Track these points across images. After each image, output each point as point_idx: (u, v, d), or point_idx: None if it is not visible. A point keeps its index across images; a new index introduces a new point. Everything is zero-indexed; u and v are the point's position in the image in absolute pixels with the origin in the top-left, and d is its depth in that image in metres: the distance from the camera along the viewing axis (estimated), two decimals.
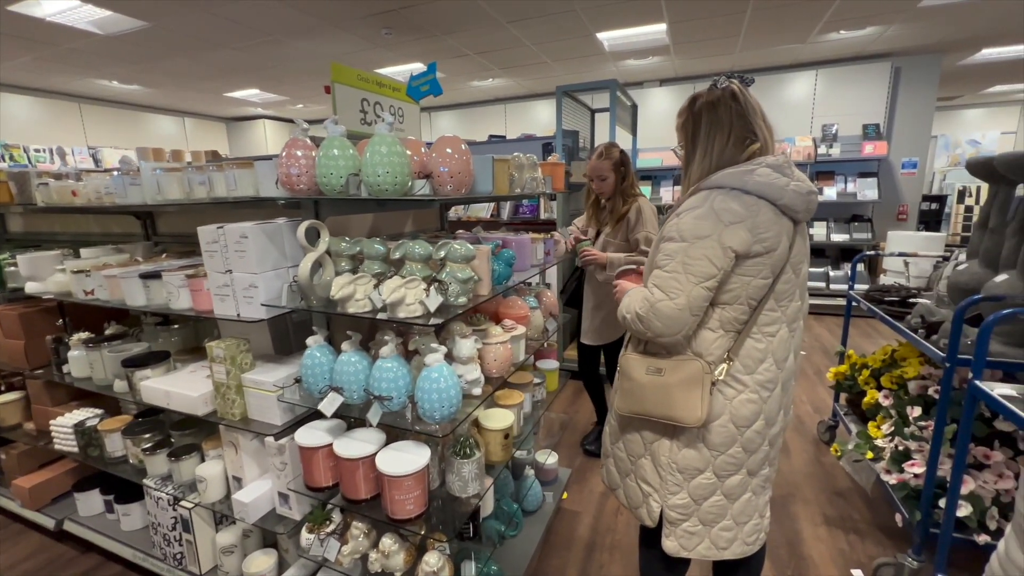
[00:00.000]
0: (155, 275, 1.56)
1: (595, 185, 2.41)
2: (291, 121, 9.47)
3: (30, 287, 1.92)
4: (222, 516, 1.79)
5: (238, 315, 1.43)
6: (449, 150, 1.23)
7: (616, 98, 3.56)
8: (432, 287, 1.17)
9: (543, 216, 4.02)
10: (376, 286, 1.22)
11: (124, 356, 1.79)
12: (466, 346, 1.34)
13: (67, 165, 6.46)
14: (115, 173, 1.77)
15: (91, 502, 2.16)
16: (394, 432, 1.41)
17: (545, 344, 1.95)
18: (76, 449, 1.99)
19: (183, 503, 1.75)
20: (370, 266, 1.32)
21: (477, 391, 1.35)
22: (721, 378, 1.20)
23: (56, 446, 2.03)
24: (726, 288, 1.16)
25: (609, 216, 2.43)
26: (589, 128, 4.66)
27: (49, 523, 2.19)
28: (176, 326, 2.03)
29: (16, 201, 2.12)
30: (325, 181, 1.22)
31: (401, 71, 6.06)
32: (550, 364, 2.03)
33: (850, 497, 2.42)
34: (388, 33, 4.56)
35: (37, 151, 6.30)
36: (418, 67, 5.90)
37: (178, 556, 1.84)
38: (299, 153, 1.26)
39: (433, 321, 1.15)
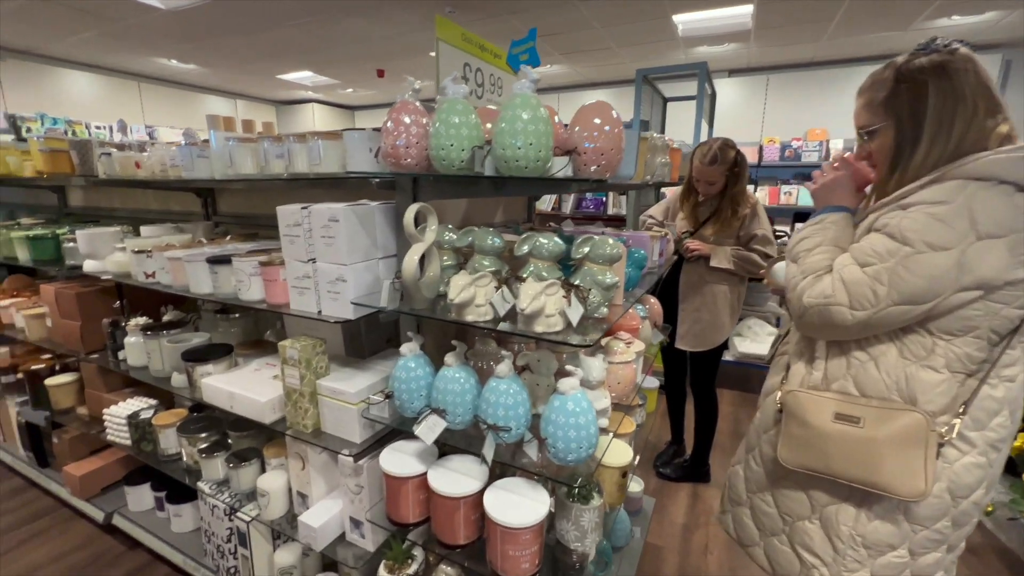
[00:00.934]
0: (224, 260, 1.36)
1: (701, 187, 2.12)
2: (341, 106, 9.43)
3: (88, 266, 1.78)
4: (282, 531, 1.60)
5: (319, 312, 1.21)
6: (598, 120, 0.96)
7: (705, 85, 3.21)
8: (571, 295, 0.91)
9: (610, 211, 3.72)
10: (498, 289, 0.98)
11: (184, 348, 1.61)
12: (596, 367, 1.08)
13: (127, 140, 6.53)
14: (181, 143, 1.59)
15: (142, 497, 2.03)
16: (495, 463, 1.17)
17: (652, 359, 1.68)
18: (129, 442, 1.84)
19: (240, 514, 1.57)
20: (480, 262, 1.08)
21: (604, 422, 1.10)
22: (952, 437, 0.90)
23: (108, 437, 1.90)
24: (960, 314, 0.86)
25: (712, 215, 2.14)
26: (660, 118, 4.31)
27: (98, 515, 2.07)
28: (236, 315, 1.85)
29: (78, 172, 1.98)
30: (442, 155, 0.97)
31: None
32: (651, 382, 1.75)
33: (985, 556, 2.05)
34: (452, 11, 4.31)
35: (98, 128, 6.39)
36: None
37: (232, 570, 1.67)
38: (408, 120, 1.02)
39: (576, 339, 0.90)
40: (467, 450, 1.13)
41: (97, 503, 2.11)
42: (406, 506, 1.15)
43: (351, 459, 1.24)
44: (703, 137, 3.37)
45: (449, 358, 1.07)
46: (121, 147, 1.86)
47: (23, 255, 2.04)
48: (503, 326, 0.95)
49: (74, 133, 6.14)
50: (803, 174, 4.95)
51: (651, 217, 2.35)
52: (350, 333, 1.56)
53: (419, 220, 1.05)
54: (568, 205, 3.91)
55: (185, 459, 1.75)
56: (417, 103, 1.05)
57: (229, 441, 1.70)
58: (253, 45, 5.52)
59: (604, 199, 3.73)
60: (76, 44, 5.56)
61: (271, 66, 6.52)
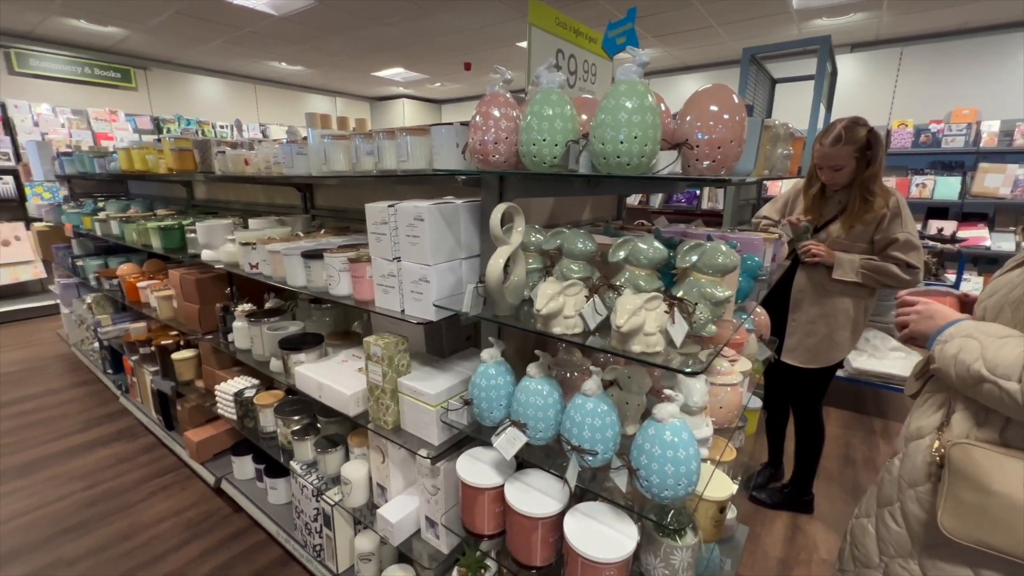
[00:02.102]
0: (316, 255, 1.41)
1: (824, 176, 1.83)
2: (429, 100, 9.74)
3: (205, 255, 1.95)
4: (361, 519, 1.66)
5: (403, 312, 1.20)
6: (715, 108, 0.82)
7: (826, 62, 2.81)
8: (675, 310, 0.80)
9: (705, 205, 3.42)
10: (588, 298, 0.88)
11: (281, 336, 1.71)
12: (697, 390, 0.95)
13: (243, 138, 7.27)
14: (284, 141, 1.67)
15: (245, 467, 2.22)
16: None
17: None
18: (235, 417, 2.01)
19: (326, 497, 1.64)
20: (568, 268, 0.99)
21: (703, 452, 0.97)
22: None
23: (219, 410, 2.09)
24: None
25: (842, 211, 1.84)
26: (767, 102, 3.88)
27: (211, 479, 2.30)
28: (327, 306, 1.94)
29: (199, 169, 2.18)
30: (533, 150, 0.89)
31: None
32: (753, 401, 1.56)
33: None
34: None
35: (222, 127, 7.17)
36: None
37: (317, 548, 1.76)
38: (497, 114, 0.96)
39: (679, 362, 0.78)
40: (545, 467, 1.05)
41: (210, 467, 2.35)
42: (481, 517, 1.11)
43: (428, 461, 1.23)
44: (820, 122, 2.97)
45: (532, 369, 1.00)
46: (234, 145, 2.01)
47: (156, 243, 2.30)
48: (593, 341, 0.86)
49: (203, 132, 6.93)
50: (943, 162, 4.22)
51: (766, 218, 2.07)
52: (431, 330, 1.55)
53: (505, 221, 0.99)
54: (657, 199, 3.66)
55: (280, 438, 1.87)
56: (507, 95, 0.97)
57: (318, 425, 1.78)
58: (352, 44, 5.83)
59: (698, 192, 3.44)
60: (206, 52, 6.24)
61: (367, 64, 6.86)
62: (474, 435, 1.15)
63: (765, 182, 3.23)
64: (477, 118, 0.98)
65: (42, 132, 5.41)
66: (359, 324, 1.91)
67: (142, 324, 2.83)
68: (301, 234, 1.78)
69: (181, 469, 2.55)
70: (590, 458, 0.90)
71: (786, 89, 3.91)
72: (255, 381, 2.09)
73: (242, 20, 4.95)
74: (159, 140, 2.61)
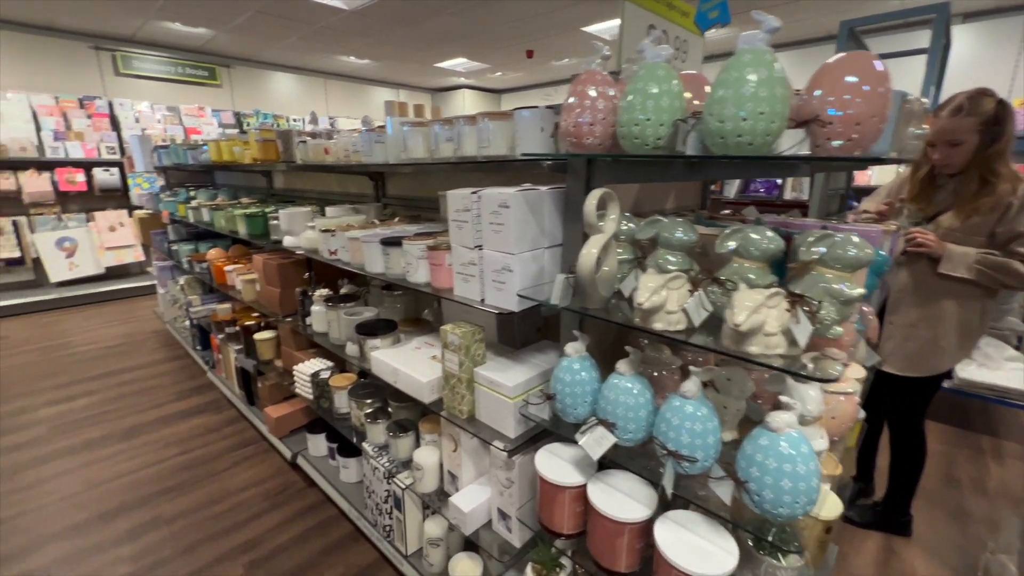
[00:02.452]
0: (395, 242, 1.41)
1: (938, 154, 1.60)
2: (489, 90, 9.75)
3: (287, 241, 2.03)
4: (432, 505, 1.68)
5: (482, 301, 1.18)
6: (852, 79, 0.72)
7: (942, 34, 2.49)
8: (797, 309, 0.71)
9: (788, 195, 3.17)
10: (692, 292, 0.81)
11: (357, 321, 1.75)
12: (813, 398, 0.85)
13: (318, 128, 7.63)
14: (362, 130, 1.69)
15: (319, 444, 2.32)
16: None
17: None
18: (311, 397, 2.10)
19: (397, 480, 1.68)
20: (664, 259, 0.92)
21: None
22: None
23: (296, 390, 2.19)
24: None
25: (957, 198, 1.61)
26: None
27: (287, 453, 2.43)
28: (399, 292, 1.97)
29: (281, 158, 2.28)
30: (635, 132, 0.83)
31: (613, 26, 5.50)
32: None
33: None
34: None
35: (295, 120, 7.55)
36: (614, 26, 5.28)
37: (387, 528, 1.81)
38: (594, 93, 0.90)
39: (808, 368, 0.69)
40: (631, 468, 1.00)
41: (286, 442, 2.48)
42: (560, 515, 1.07)
43: (504, 453, 1.21)
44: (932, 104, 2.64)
45: (622, 366, 0.95)
46: (313, 136, 2.07)
47: (241, 229, 2.44)
48: (700, 340, 0.79)
49: (278, 125, 7.33)
50: None
51: (867, 212, 1.86)
52: (504, 321, 1.53)
53: (598, 207, 0.93)
54: (732, 188, 3.44)
55: (353, 420, 1.93)
56: (605, 73, 0.91)
57: (389, 410, 1.82)
58: (416, 35, 5.92)
59: (779, 181, 3.19)
60: (282, 49, 6.56)
61: (430, 55, 6.96)
62: (553, 430, 1.11)
63: (854, 171, 2.93)
64: (571, 99, 0.92)
65: (142, 128, 5.93)
66: (429, 312, 1.92)
67: (227, 305, 3.03)
68: (376, 222, 1.81)
69: (260, 442, 2.72)
70: (687, 465, 0.83)
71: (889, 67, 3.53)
72: (329, 363, 2.17)
73: (316, 16, 5.14)
74: (244, 132, 2.76)
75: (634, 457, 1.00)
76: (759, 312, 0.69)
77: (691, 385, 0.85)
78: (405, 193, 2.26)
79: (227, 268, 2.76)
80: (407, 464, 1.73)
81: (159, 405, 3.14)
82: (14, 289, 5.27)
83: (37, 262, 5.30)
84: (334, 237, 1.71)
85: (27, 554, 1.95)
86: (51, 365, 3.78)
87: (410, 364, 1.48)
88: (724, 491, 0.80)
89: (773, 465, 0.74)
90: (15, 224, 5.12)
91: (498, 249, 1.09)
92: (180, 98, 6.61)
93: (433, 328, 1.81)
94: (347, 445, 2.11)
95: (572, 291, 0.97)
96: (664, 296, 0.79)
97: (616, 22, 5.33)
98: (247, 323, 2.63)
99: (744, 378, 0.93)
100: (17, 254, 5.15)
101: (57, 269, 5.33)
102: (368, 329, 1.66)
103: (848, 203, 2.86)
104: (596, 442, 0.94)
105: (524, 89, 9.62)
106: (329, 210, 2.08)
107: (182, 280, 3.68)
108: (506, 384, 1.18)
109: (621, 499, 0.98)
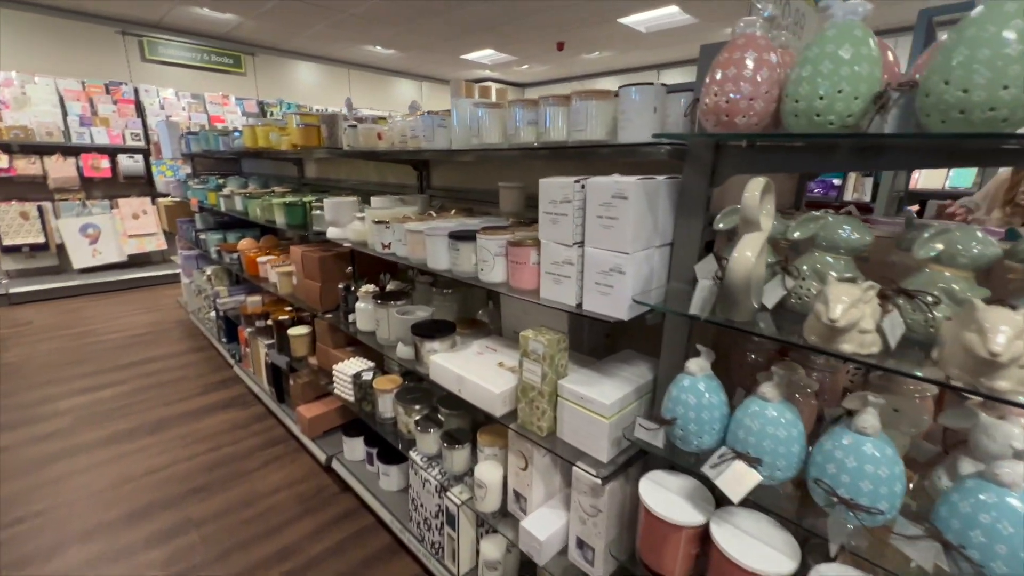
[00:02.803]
0: (467, 236, 1.27)
1: None
2: (514, 84, 9.58)
3: (331, 232, 1.91)
4: (494, 526, 1.54)
5: (579, 306, 1.03)
6: None
7: None
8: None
9: (848, 197, 2.98)
10: (884, 308, 0.66)
11: (412, 321, 1.62)
12: (1019, 437, 0.69)
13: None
14: (423, 114, 1.55)
15: (356, 448, 2.20)
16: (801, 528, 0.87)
17: None
18: (352, 399, 1.98)
19: (451, 495, 1.54)
20: (822, 263, 0.77)
21: None
22: None
23: (336, 391, 2.07)
24: None
25: None
26: None
27: (322, 456, 2.31)
28: (449, 290, 1.83)
29: (325, 144, 2.15)
30: (816, 107, 0.67)
31: (652, 17, 5.30)
32: None
33: None
34: None
35: (317, 110, 7.45)
36: (668, 13, 5.07)
37: (436, 545, 1.68)
38: (750, 63, 0.74)
39: None
40: (765, 505, 0.85)
41: (320, 444, 2.36)
42: (672, 557, 0.93)
43: (596, 479, 1.06)
44: None
45: (768, 390, 0.80)
46: (362, 120, 1.94)
47: (280, 219, 2.32)
48: (895, 365, 0.63)
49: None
50: None
51: (963, 207, 1.69)
52: (575, 326, 1.39)
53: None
54: None
55: (400, 427, 1.80)
56: (768, 38, 0.76)
57: (440, 417, 1.69)
58: (444, 25, 5.77)
59: (839, 181, 3.00)
60: (308, 38, 6.46)
61: (457, 46, 6.81)
62: (669, 457, 0.96)
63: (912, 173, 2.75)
64: (721, 72, 0.77)
65: (167, 115, 5.87)
66: (484, 312, 1.78)
67: (257, 297, 2.92)
68: (433, 213, 1.67)
69: (289, 441, 2.61)
70: (864, 516, 0.68)
71: None
72: (370, 363, 2.05)
73: (344, 3, 5.02)
74: (282, 118, 2.64)
75: (771, 495, 0.85)
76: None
77: (870, 419, 0.69)
78: (454, 184, 2.12)
79: (260, 259, 2.65)
80: (460, 478, 1.60)
81: (186, 398, 3.05)
82: (38, 275, 5.24)
83: (61, 248, 5.26)
84: (388, 229, 1.57)
85: (55, 554, 1.86)
86: (77, 353, 3.71)
87: (477, 372, 1.34)
88: (922, 553, 0.65)
89: (1007, 530, 0.58)
90: (40, 209, 5.09)
91: (607, 247, 0.94)
92: (205, 86, 6.54)
93: (490, 330, 1.67)
94: (387, 450, 1.99)
95: (711, 298, 0.82)
96: (861, 311, 0.63)
97: (655, 12, 5.14)
98: (280, 317, 2.52)
99: (919, 411, 0.77)
100: (42, 239, 5.11)
101: (81, 255, 5.29)
102: (425, 330, 1.53)
103: (904, 207, 2.65)
104: (736, 480, 0.79)
105: (549, 83, 9.43)
106: (375, 200, 1.95)
107: (209, 270, 3.59)
108: (601, 401, 1.03)
109: (754, 546, 0.83)
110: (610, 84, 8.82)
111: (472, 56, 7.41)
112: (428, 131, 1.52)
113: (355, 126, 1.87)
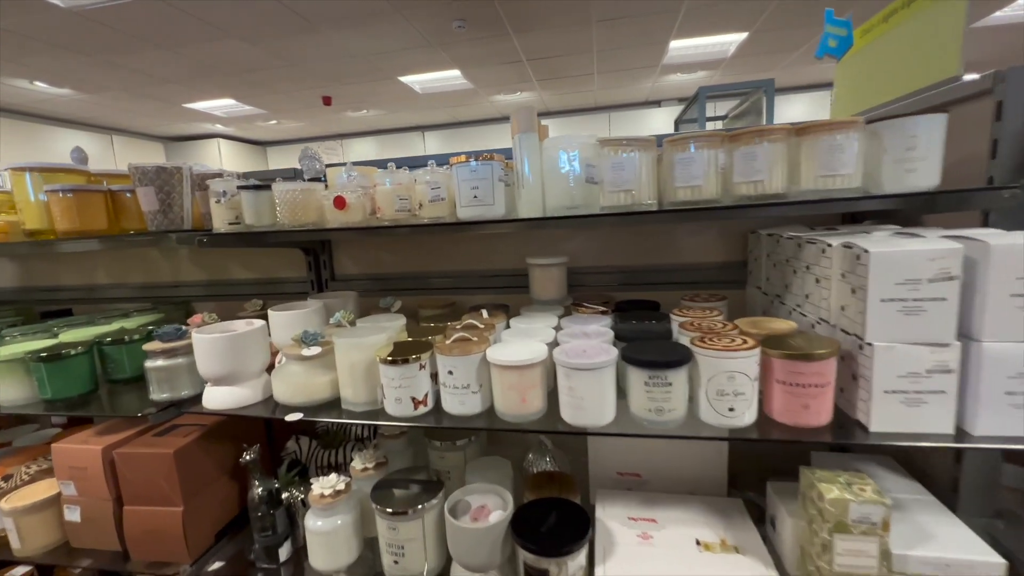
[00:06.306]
0: (677, 361, 0.73)
1: None
2: (252, 142, 8.03)
3: (212, 399, 0.93)
4: None
5: (962, 436, 0.67)
6: None
7: None
8: None
9: None
10: None
11: (500, 527, 0.88)
12: None
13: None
14: (467, 161, 0.91)
15: None
16: None
17: None
18: None
19: None
20: None
21: None
22: None
23: None
24: None
25: None
26: None
27: None
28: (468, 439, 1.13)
29: (150, 227, 1.09)
30: None
31: (432, 79, 5.23)
32: None
33: None
34: (460, 26, 3.79)
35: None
36: (449, 76, 5.12)
37: None
38: None
39: None
40: None
41: None
42: None
43: None
44: None
45: None
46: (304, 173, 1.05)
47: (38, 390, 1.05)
48: None
49: None
50: None
51: None
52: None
53: None
54: None
55: None
56: None
57: None
58: (172, 62, 4.36)
59: None
60: None
61: (181, 91, 5.25)
62: None
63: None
64: None
65: None
66: (535, 459, 1.16)
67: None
68: (484, 323, 0.98)
69: None
70: None
71: None
72: None
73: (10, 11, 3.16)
74: None
75: None
76: None
77: None
78: (372, 269, 1.41)
79: None
80: None
81: None
82: None
83: None
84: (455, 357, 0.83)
85: None
86: None
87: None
88: None
89: None
90: None
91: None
92: None
93: (573, 488, 1.07)
94: None
95: None
96: None
97: (438, 74, 5.10)
98: None
99: None
100: None
101: None
102: (550, 538, 0.84)
103: None
104: None
105: (296, 142, 8.33)
106: (270, 313, 1.06)
107: None
108: None
109: None
110: (367, 146, 8.28)
111: (201, 105, 5.83)
112: (485, 191, 0.88)
113: (262, 188, 0.98)
